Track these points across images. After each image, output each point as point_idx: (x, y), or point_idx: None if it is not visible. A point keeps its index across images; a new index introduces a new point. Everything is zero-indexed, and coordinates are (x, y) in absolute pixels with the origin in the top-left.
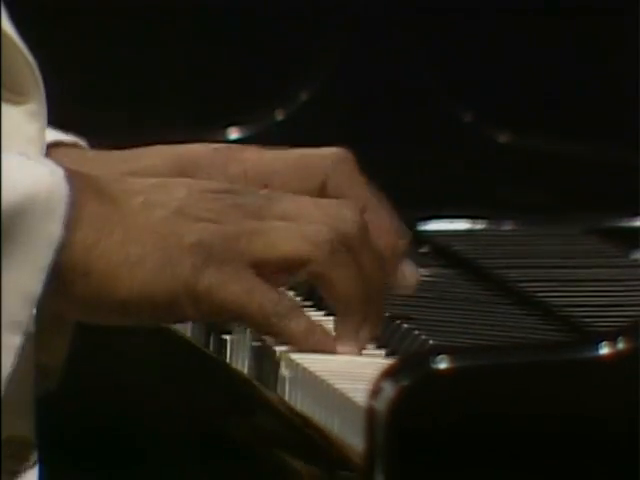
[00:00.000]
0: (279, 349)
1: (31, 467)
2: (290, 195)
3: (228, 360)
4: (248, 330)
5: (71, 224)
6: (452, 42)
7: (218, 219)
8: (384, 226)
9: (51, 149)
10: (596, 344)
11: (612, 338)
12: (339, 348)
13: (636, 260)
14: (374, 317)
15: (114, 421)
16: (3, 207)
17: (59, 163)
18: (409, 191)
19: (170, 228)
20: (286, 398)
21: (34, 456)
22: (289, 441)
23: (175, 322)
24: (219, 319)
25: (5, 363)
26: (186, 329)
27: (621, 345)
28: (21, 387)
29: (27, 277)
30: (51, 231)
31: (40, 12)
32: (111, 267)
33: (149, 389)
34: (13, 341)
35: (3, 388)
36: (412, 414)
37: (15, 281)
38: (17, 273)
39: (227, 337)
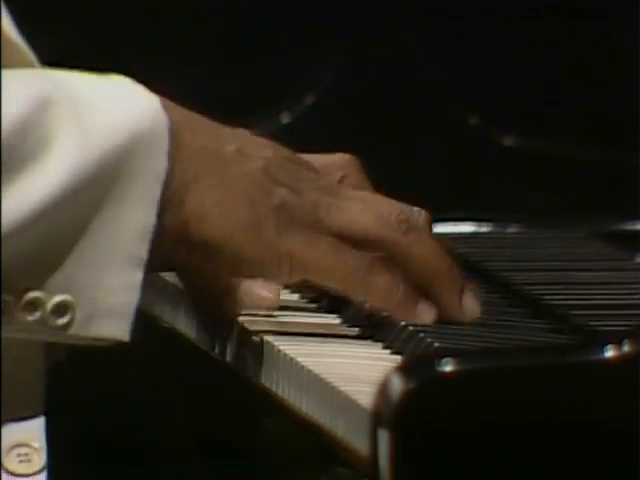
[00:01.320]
0: (283, 349)
1: (39, 472)
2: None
3: (232, 362)
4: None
5: (172, 155)
6: (457, 45)
7: (298, 187)
8: None
9: None
10: (601, 347)
11: (617, 341)
12: (419, 314)
13: None
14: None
15: (118, 424)
16: (112, 148)
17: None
18: (414, 194)
19: (259, 185)
20: (291, 400)
21: (42, 460)
22: (294, 444)
23: (250, 277)
24: (301, 279)
25: (131, 300)
26: (191, 331)
27: (626, 348)
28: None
29: (141, 212)
30: (157, 165)
31: (38, 9)
32: (205, 206)
33: (153, 391)
34: (136, 277)
35: (130, 323)
36: (417, 417)
37: (130, 217)
38: (130, 209)
39: (230, 338)
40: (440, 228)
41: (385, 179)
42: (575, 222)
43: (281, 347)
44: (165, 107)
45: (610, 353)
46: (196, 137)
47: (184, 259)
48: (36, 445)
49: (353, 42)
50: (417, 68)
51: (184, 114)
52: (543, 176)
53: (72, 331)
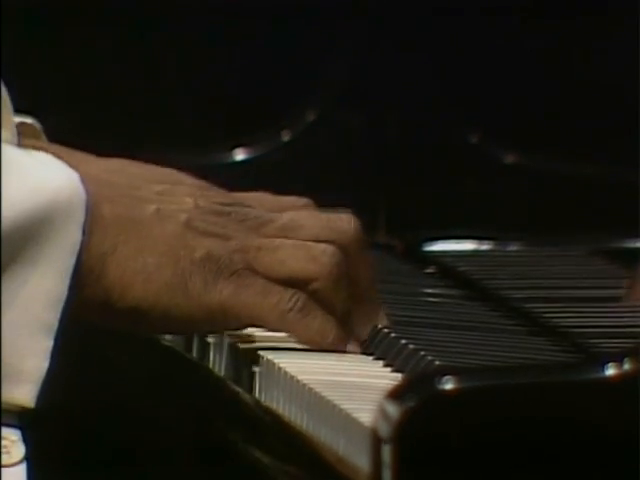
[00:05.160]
0: (283, 366)
1: (18, 463)
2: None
3: (231, 379)
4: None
5: (88, 228)
6: (458, 63)
7: (224, 234)
8: None
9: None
10: (602, 365)
11: (618, 359)
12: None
13: None
14: (368, 318)
15: (101, 426)
16: (28, 210)
17: (71, 165)
18: (415, 212)
19: (182, 241)
20: (292, 418)
21: (21, 452)
22: (293, 460)
23: (188, 333)
24: (235, 327)
25: (39, 366)
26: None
27: (627, 366)
28: None
29: (51, 281)
30: (71, 236)
31: (36, 24)
32: (127, 274)
33: (136, 394)
34: (45, 344)
35: (37, 389)
36: (418, 435)
37: (40, 285)
38: (41, 277)
39: (229, 355)
40: (441, 246)
41: (385, 197)
42: (576, 240)
43: (281, 365)
44: (84, 180)
45: (611, 371)
46: (114, 207)
47: (112, 324)
48: (13, 437)
49: (354, 59)
50: (418, 86)
51: (103, 184)
52: (544, 194)
53: None
